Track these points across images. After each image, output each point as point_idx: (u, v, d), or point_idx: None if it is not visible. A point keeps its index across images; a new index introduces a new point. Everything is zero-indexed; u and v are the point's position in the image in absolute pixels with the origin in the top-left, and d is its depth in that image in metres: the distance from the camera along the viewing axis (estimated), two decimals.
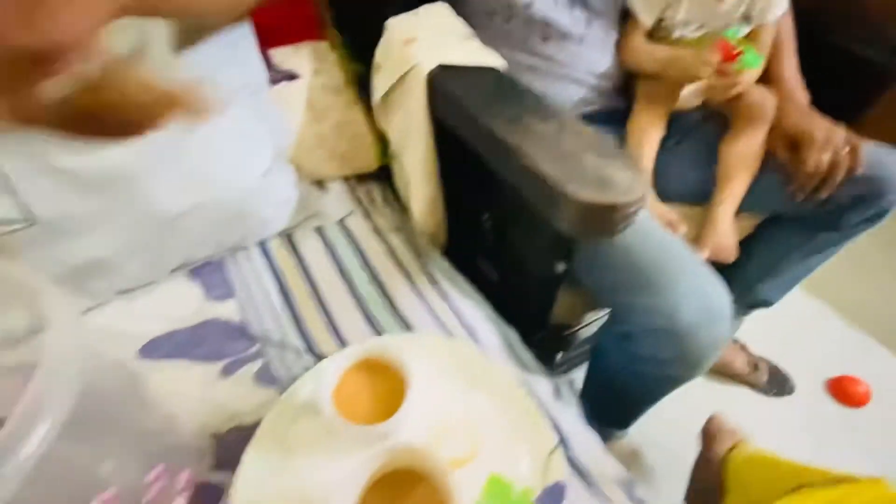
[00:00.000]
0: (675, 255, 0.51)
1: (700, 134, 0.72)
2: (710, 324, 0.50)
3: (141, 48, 0.40)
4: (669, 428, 0.95)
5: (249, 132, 0.53)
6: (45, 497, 0.28)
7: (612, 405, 0.56)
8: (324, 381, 0.42)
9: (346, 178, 0.72)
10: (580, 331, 0.71)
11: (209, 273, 0.57)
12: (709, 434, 0.65)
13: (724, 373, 1.04)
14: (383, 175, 0.75)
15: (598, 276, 0.56)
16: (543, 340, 0.62)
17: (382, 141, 0.71)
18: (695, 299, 0.49)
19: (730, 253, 0.66)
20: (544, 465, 0.43)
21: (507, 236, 0.70)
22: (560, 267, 0.64)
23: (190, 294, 0.56)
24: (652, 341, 0.52)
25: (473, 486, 0.42)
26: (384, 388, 0.44)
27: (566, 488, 0.41)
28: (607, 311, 0.69)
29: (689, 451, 0.94)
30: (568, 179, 0.39)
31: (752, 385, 1.04)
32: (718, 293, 0.51)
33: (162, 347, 0.51)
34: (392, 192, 0.75)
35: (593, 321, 0.70)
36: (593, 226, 0.41)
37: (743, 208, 0.68)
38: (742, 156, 0.66)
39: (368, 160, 0.72)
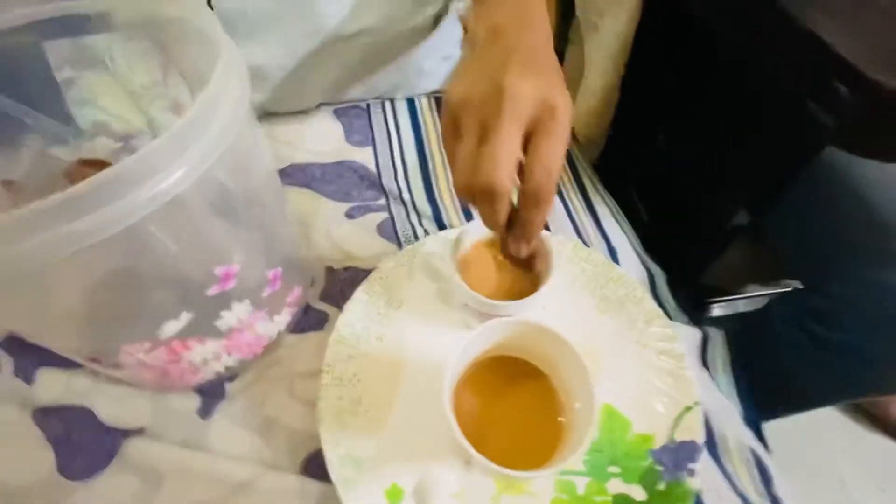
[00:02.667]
0: None
1: None
2: None
3: None
4: (795, 462, 0.82)
5: None
6: (179, 248, 0.27)
7: (764, 393, 0.45)
8: (456, 245, 0.38)
9: None
10: (734, 302, 0.59)
11: (353, 116, 0.55)
12: None
13: (877, 418, 0.85)
14: None
15: (806, 233, 0.43)
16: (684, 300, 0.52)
17: (562, 20, 0.61)
18: None
19: None
20: (675, 419, 0.36)
21: (681, 167, 0.58)
22: (744, 217, 0.51)
23: (331, 132, 0.54)
24: (867, 329, 0.39)
25: None
26: (512, 273, 0.39)
27: (701, 452, 0.34)
28: (784, 285, 0.56)
29: (813, 490, 0.80)
30: (871, 59, 0.27)
31: None
32: None
33: (296, 175, 0.51)
34: None
35: (759, 294, 0.57)
36: (889, 131, 0.29)
37: None
38: None
39: None
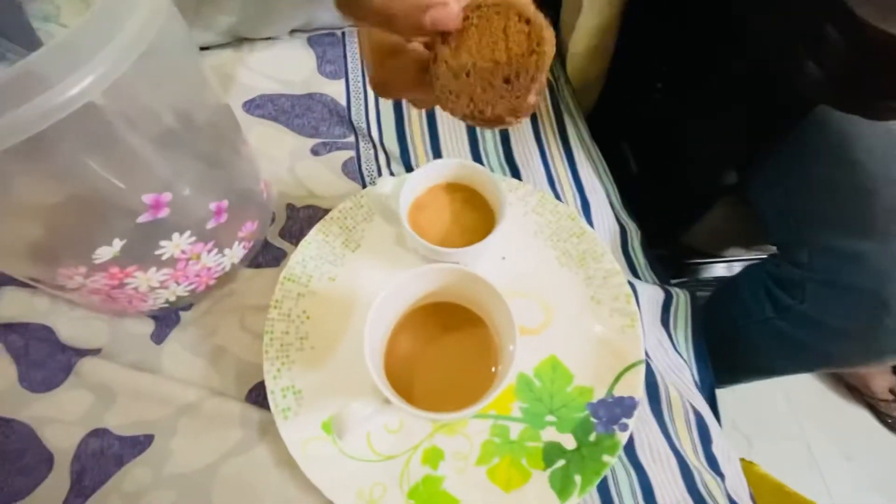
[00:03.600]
0: None
1: None
2: None
3: None
4: (764, 425, 0.83)
5: None
6: (98, 167, 0.26)
7: (722, 357, 0.45)
8: (407, 187, 0.36)
9: None
10: (710, 265, 0.57)
11: (328, 45, 0.52)
12: None
13: (854, 387, 0.85)
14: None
15: (787, 197, 0.41)
16: (661, 259, 0.51)
17: None
18: None
19: None
20: (617, 375, 0.36)
21: (676, 119, 0.54)
22: (732, 176, 0.48)
23: (304, 61, 0.51)
24: (832, 302, 0.37)
25: (528, 361, 0.36)
26: (468, 218, 0.38)
27: (636, 408, 0.34)
28: (765, 251, 0.54)
29: (777, 454, 0.82)
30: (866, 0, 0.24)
31: (883, 415, 0.84)
32: None
33: (265, 107, 0.49)
34: (553, 23, 0.60)
35: (735, 259, 0.56)
36: (877, 82, 0.26)
37: None
38: None
39: None
